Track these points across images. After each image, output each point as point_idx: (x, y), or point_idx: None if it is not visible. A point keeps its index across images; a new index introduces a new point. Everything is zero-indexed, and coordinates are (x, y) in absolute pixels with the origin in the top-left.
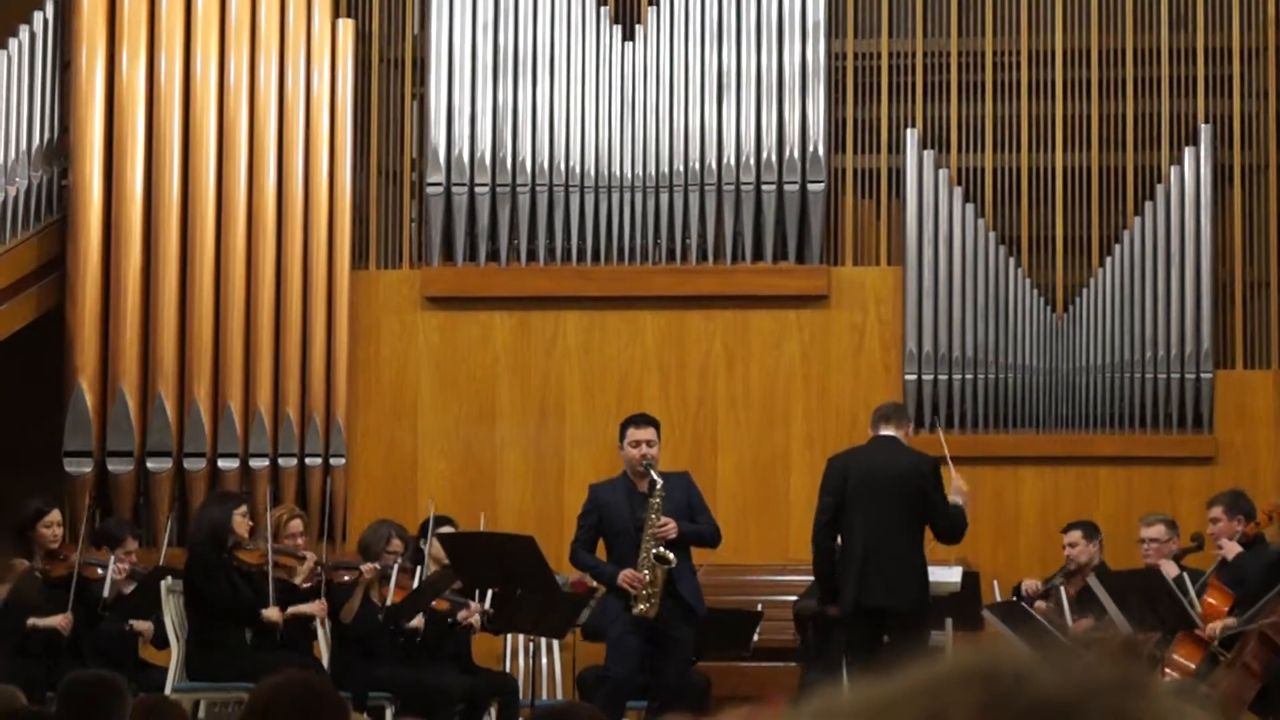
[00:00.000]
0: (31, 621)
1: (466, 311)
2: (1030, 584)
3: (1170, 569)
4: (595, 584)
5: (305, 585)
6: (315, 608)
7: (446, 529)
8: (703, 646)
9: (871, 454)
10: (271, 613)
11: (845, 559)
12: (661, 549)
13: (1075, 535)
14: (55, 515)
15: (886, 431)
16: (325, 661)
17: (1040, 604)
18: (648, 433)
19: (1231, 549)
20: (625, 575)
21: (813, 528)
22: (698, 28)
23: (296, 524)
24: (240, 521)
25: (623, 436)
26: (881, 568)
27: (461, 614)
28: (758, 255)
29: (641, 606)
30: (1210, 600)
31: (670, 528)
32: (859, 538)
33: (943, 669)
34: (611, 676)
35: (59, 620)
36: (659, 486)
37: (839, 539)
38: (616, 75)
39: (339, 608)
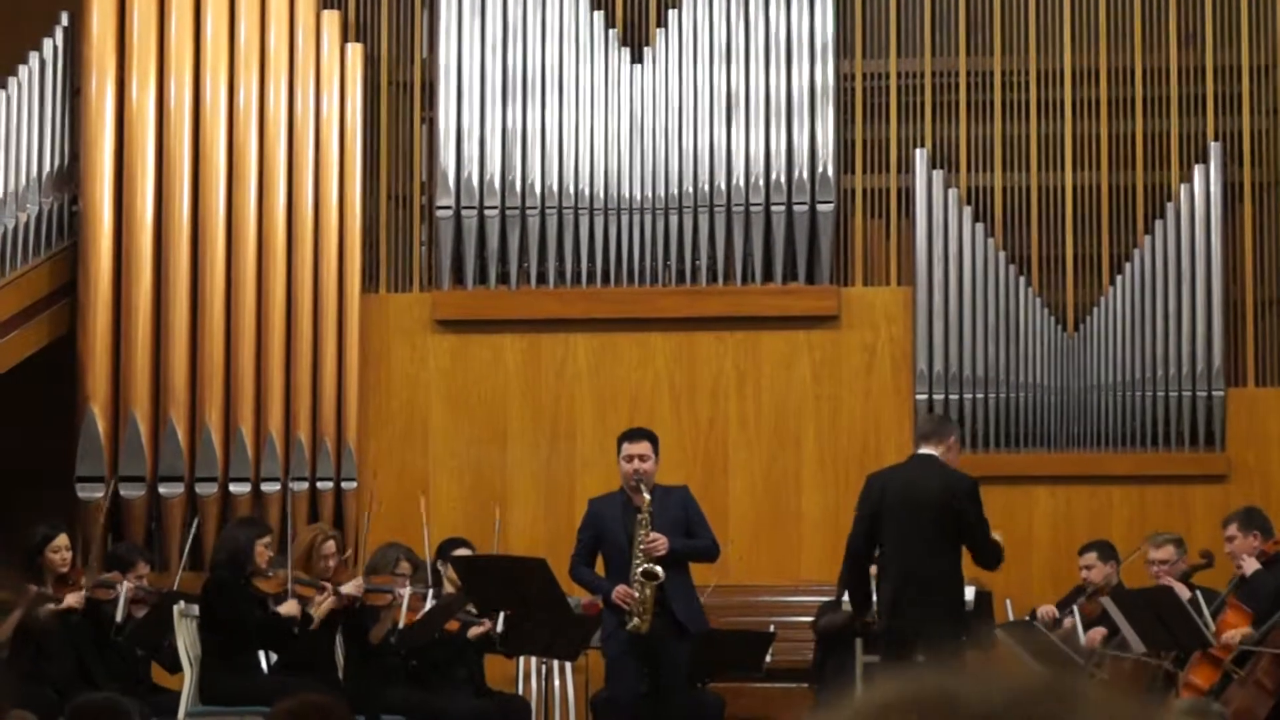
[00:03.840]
0: (45, 608)
1: (477, 334)
2: (1045, 610)
3: (1183, 591)
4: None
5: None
6: (353, 588)
7: (463, 551)
8: (715, 667)
9: (908, 473)
10: (289, 605)
11: (881, 579)
12: (649, 565)
13: (1090, 557)
14: (63, 539)
15: (925, 450)
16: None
17: (1069, 621)
18: (640, 447)
19: (1250, 565)
20: (618, 591)
21: (847, 546)
22: (706, 49)
23: (330, 545)
24: (261, 551)
25: (618, 451)
26: (916, 590)
27: (473, 631)
28: (768, 276)
29: (635, 622)
30: (1229, 619)
31: (660, 544)
32: (894, 559)
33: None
34: (609, 697)
35: (72, 598)
36: (647, 501)
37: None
38: (625, 97)
39: (368, 628)
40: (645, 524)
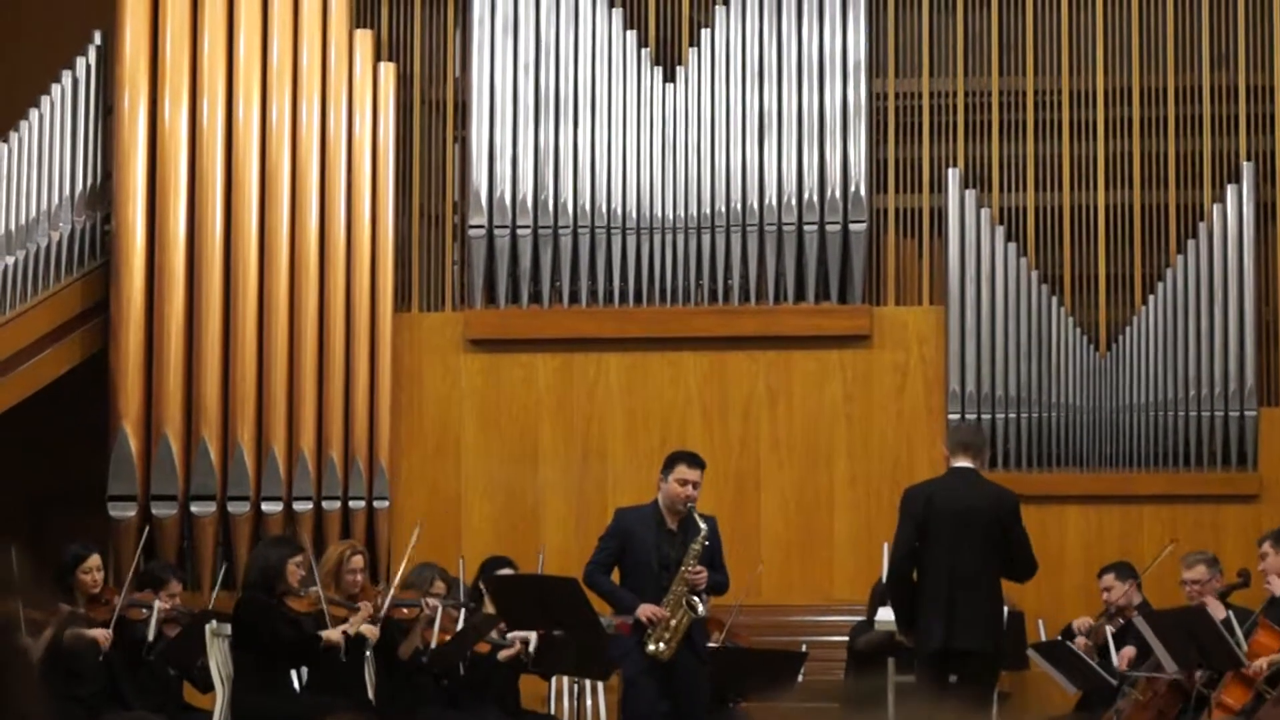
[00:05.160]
0: (71, 631)
1: (509, 354)
2: (1081, 621)
3: (1218, 610)
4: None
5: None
6: (368, 630)
7: (505, 571)
8: (746, 686)
9: (953, 487)
10: (332, 633)
11: (927, 596)
12: (694, 597)
13: (1109, 579)
14: (95, 560)
15: (964, 462)
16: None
17: (1081, 640)
18: (698, 474)
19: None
20: (648, 609)
21: (891, 559)
22: (738, 68)
23: (358, 560)
24: (293, 570)
25: (669, 469)
26: (969, 608)
27: (504, 653)
28: (800, 296)
29: (659, 646)
30: (1260, 639)
31: (703, 576)
32: (943, 575)
33: None
34: (631, 717)
35: (99, 633)
36: (703, 534)
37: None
38: (658, 116)
39: (397, 643)
40: (697, 555)
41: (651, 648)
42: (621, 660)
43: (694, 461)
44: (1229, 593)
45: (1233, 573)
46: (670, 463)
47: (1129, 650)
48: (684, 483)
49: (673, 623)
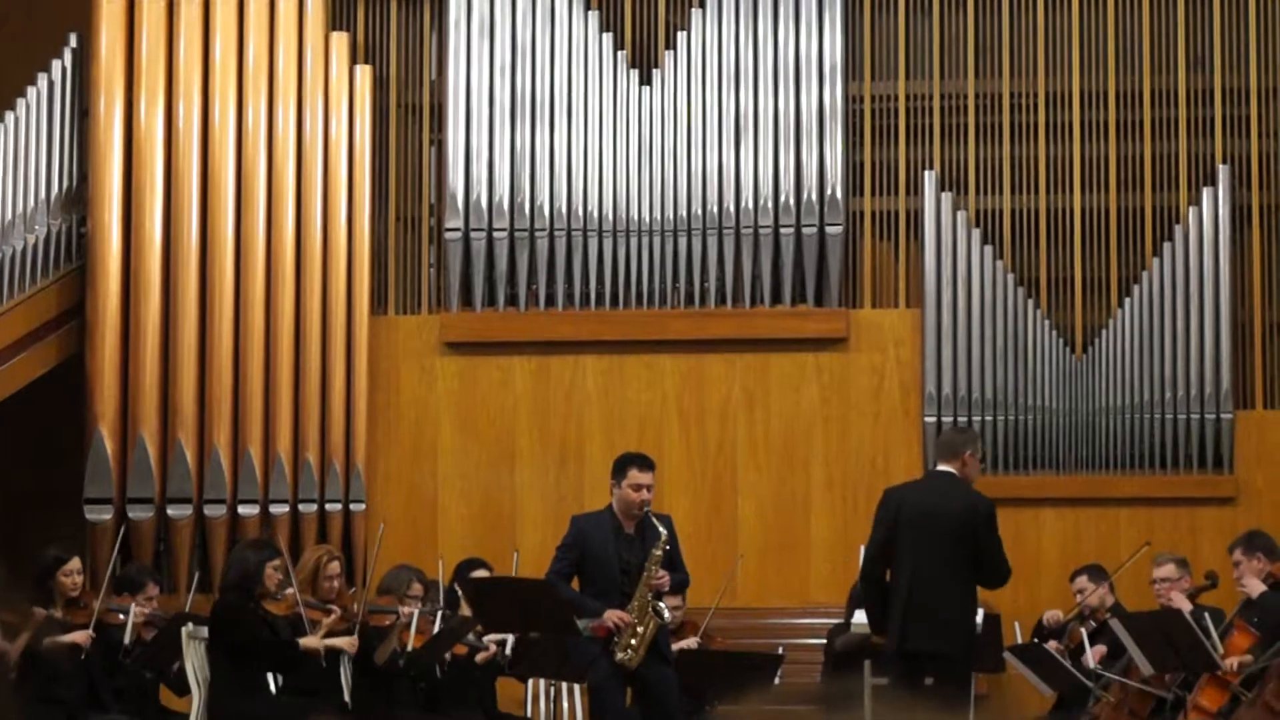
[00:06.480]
0: (49, 640)
1: (486, 356)
2: (1052, 614)
3: (1184, 604)
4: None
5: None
6: (346, 643)
7: (481, 572)
8: (724, 690)
9: (927, 490)
10: (311, 641)
11: (894, 597)
12: (659, 603)
13: (1081, 580)
14: (75, 563)
15: (943, 467)
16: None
17: (1053, 642)
18: (649, 477)
19: (1255, 587)
20: (615, 616)
21: (861, 560)
22: (715, 71)
23: (334, 566)
24: (271, 574)
25: (620, 474)
26: (926, 611)
27: (480, 656)
28: (776, 298)
29: (628, 655)
30: (1235, 641)
31: (665, 580)
32: (905, 577)
33: None
34: None
35: (79, 635)
36: (663, 538)
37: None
38: (634, 119)
39: (373, 649)
40: (659, 560)
41: (620, 655)
42: (589, 666)
43: (644, 464)
44: (1197, 594)
45: (1204, 576)
46: (620, 467)
47: (1100, 648)
48: (637, 487)
49: (640, 630)
